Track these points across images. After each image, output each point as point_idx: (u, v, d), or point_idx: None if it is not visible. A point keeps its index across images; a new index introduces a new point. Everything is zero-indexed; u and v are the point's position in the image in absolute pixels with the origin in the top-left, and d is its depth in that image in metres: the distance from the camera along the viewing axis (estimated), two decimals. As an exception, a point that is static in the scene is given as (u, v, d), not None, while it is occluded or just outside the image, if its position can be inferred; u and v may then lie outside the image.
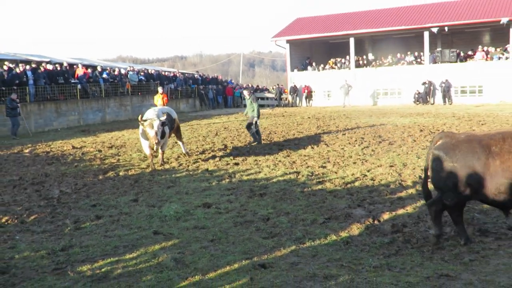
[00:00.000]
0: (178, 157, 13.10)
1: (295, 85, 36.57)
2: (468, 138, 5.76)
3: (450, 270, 4.98)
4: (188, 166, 11.71)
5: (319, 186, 9.07)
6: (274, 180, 9.81)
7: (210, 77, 41.48)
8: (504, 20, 29.28)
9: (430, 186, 6.06)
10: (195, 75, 40.28)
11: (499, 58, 31.00)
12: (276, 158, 12.30)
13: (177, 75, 36.20)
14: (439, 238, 5.83)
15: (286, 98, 37.49)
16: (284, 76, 42.76)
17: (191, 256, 5.60)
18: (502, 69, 30.20)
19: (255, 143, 15.20)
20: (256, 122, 15.24)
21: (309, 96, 36.21)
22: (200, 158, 12.70)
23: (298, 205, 7.76)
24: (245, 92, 16.21)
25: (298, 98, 36.83)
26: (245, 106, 16.05)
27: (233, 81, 50.23)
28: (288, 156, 12.64)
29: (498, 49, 32.26)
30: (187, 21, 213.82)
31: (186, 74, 39.69)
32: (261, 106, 37.08)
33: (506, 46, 31.55)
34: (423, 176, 6.34)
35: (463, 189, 5.58)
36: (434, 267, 5.13)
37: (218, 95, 37.87)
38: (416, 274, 4.91)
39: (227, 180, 9.95)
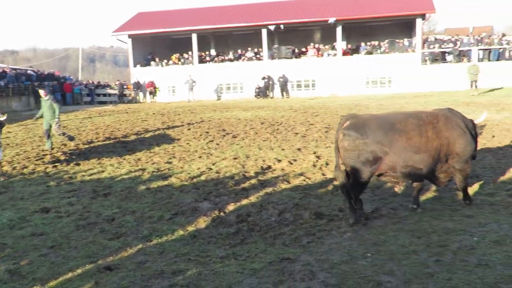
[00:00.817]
0: (12, 160, 12.03)
1: (138, 81, 35.78)
2: (373, 117, 6.44)
3: (291, 253, 5.32)
4: (23, 169, 10.82)
5: (165, 182, 9.03)
6: (119, 178, 9.53)
7: (46, 73, 38.69)
8: (331, 20, 31.89)
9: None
10: (29, 71, 37.25)
11: (329, 54, 33.70)
12: (120, 156, 11.95)
13: (7, 71, 33.18)
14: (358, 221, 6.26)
15: (130, 94, 36.54)
16: (127, 71, 41.57)
17: (29, 266, 5.21)
18: (331, 65, 32.88)
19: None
20: (58, 125, 13.45)
21: (153, 92, 35.71)
22: (36, 160, 11.81)
23: (144, 203, 7.65)
24: (41, 92, 13.61)
25: (142, 94, 36.11)
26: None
27: (72, 77, 47.45)
28: (133, 153, 12.35)
29: (327, 46, 35.05)
30: (18, 12, 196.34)
31: (18, 70, 36.51)
32: (103, 103, 35.81)
33: (334, 44, 34.38)
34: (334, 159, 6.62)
35: (375, 163, 6.17)
36: (276, 252, 5.43)
37: (55, 92, 35.46)
38: (260, 260, 5.16)
39: (68, 181, 9.41)
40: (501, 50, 30.60)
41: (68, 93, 36.50)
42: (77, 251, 5.65)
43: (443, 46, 32.51)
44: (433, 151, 6.27)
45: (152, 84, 35.47)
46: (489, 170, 8.84)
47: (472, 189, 7.63)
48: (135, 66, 36.41)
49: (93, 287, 4.60)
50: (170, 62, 36.78)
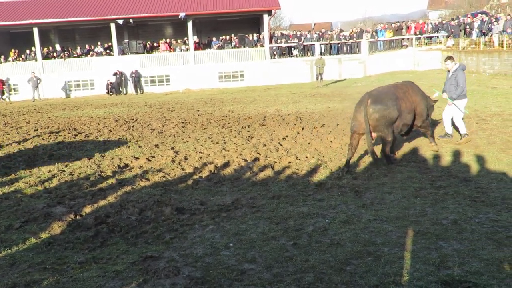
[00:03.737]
0: None
1: (-27, 80, 32.35)
2: (386, 90, 8.42)
3: (154, 251, 5.25)
4: None
5: (12, 188, 8.33)
6: (-44, 188, 8.56)
7: None
8: (181, 14, 31.87)
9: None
10: None
11: (181, 49, 33.65)
12: (-44, 164, 10.73)
13: None
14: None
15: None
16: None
17: None
18: (184, 60, 32.89)
19: None
20: None
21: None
22: None
23: (-11, 213, 6.98)
24: None
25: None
26: None
27: None
28: (-29, 159, 11.17)
29: (179, 41, 34.98)
30: None
31: None
32: None
33: (185, 39, 34.43)
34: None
35: (396, 125, 8.26)
36: (139, 251, 5.32)
37: None
38: (123, 262, 5.02)
39: None
40: (339, 45, 33.15)
41: None
42: None
43: (289, 41, 34.27)
44: (413, 111, 8.55)
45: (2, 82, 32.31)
46: (335, 155, 9.58)
47: (321, 175, 8.23)
48: (-33, 63, 32.86)
49: None
50: (10, 58, 33.83)
